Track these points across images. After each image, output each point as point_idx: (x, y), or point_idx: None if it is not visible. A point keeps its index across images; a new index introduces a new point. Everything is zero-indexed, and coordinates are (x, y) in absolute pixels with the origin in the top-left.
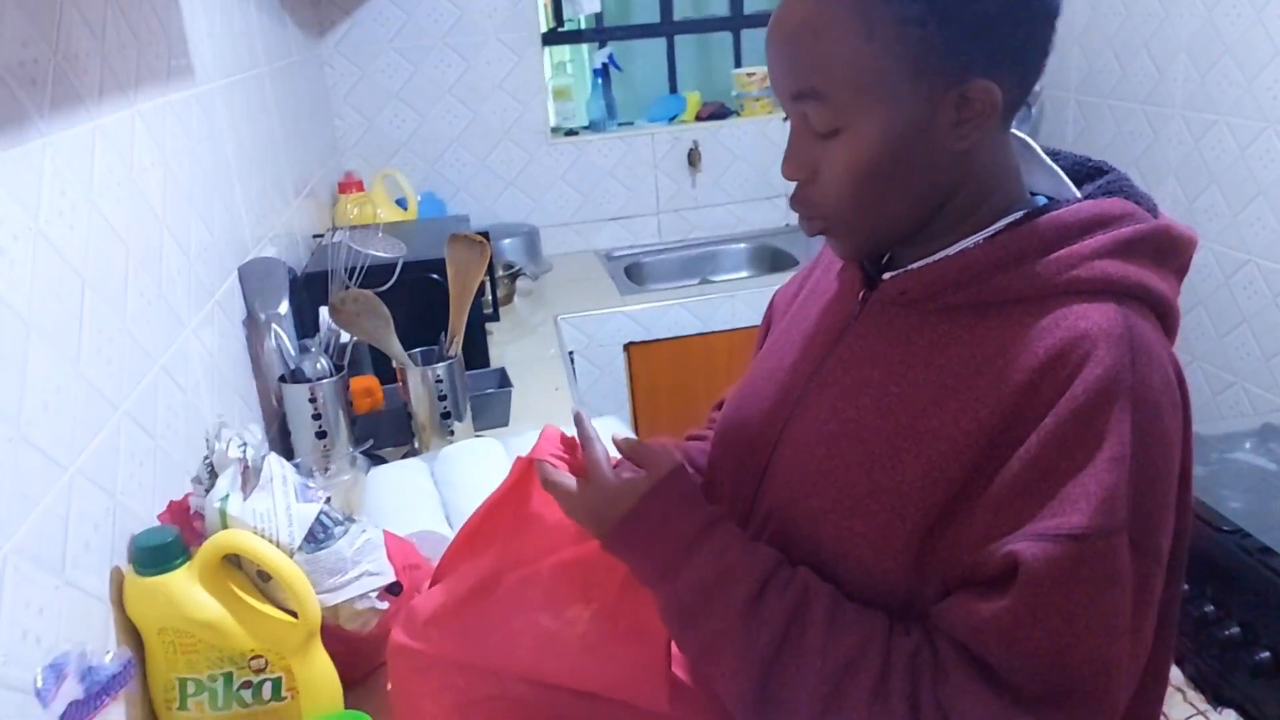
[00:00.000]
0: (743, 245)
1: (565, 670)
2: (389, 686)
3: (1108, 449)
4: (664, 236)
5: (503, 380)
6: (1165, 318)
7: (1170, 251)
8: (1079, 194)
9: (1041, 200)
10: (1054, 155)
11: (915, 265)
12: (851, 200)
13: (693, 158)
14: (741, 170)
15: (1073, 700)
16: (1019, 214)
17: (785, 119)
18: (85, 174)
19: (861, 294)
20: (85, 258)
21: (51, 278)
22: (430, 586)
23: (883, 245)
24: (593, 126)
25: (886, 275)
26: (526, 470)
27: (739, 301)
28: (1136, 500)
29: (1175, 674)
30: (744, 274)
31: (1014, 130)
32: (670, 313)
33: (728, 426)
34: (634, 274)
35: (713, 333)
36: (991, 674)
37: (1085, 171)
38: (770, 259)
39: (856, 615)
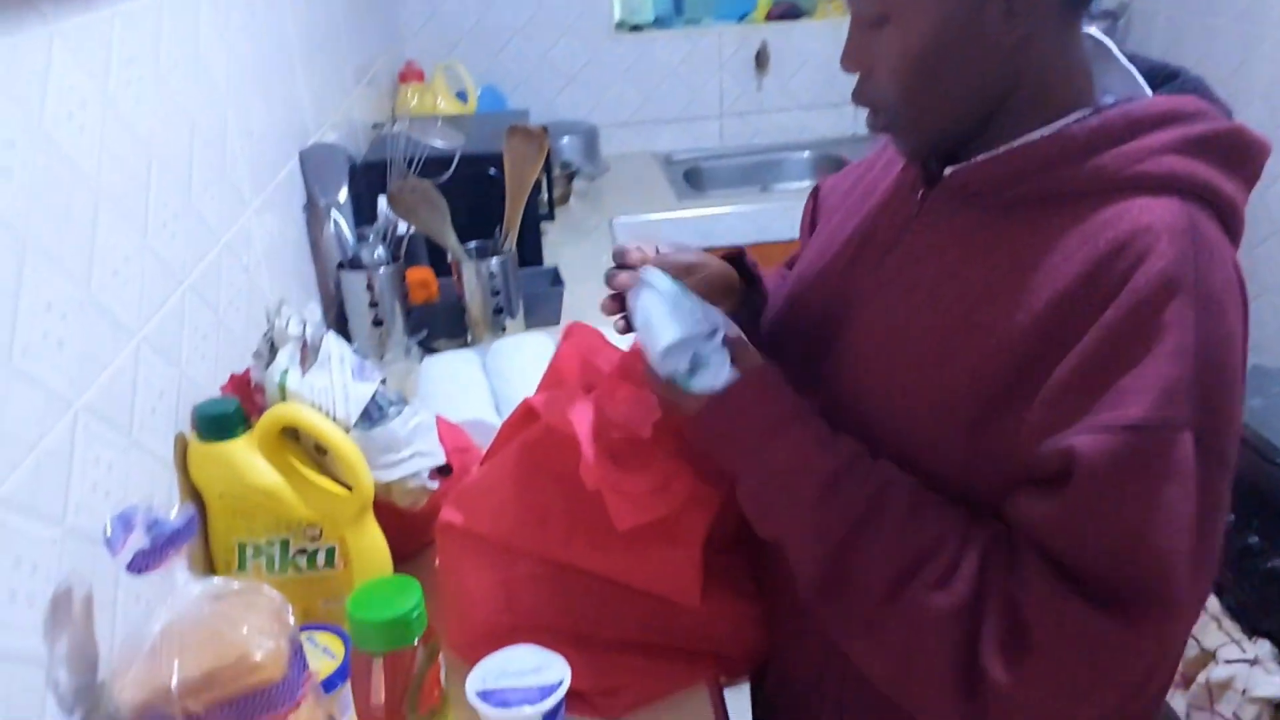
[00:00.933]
0: (807, 154)
1: (603, 561)
2: (437, 562)
3: (1168, 341)
4: (726, 141)
5: (555, 279)
6: (1229, 222)
7: (1242, 155)
8: (1150, 94)
9: (1112, 100)
10: (1131, 59)
11: (978, 159)
12: (903, 93)
13: (760, 59)
14: (810, 74)
15: (1138, 600)
16: (1087, 110)
17: None
18: (152, 46)
19: (921, 192)
20: (152, 130)
21: (119, 147)
22: (479, 469)
23: (943, 142)
24: (658, 23)
25: (948, 169)
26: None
27: (799, 212)
28: (1203, 398)
29: (1212, 603)
30: (806, 183)
31: (1091, 31)
32: (727, 220)
33: (782, 326)
34: (693, 179)
35: (770, 243)
36: (1066, 572)
37: (1162, 77)
38: (834, 169)
39: (938, 511)
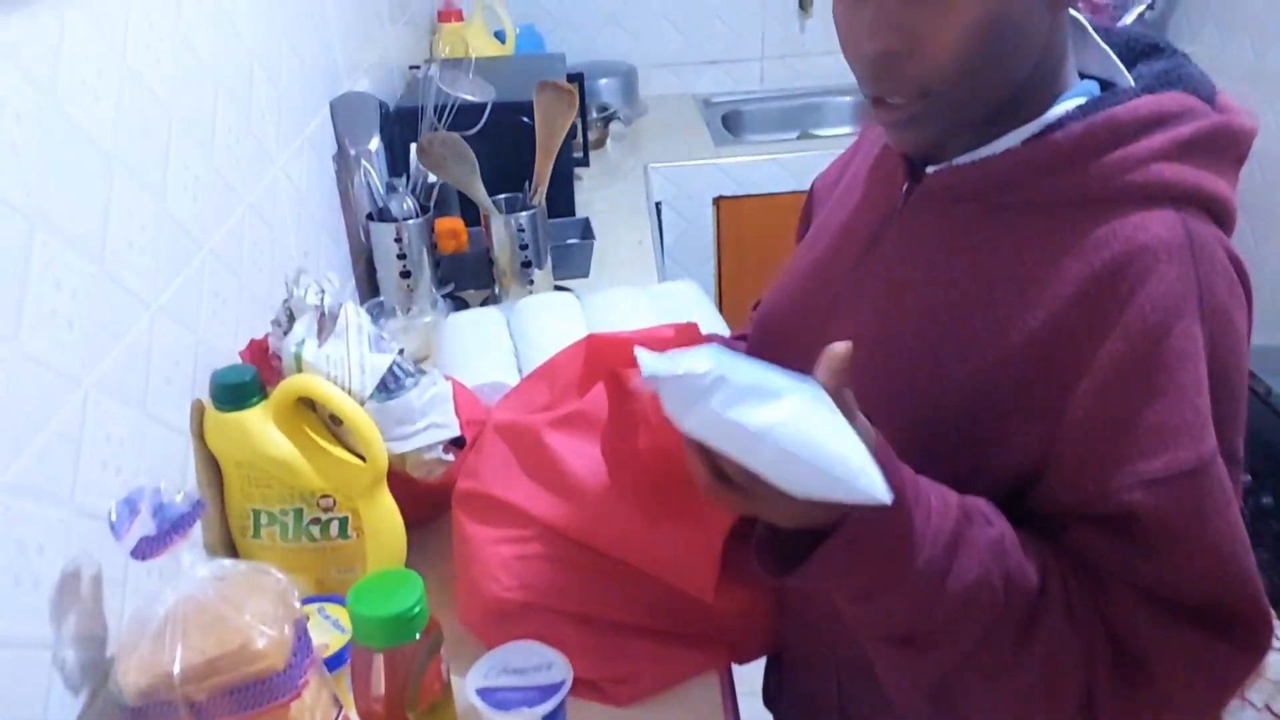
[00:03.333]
0: (849, 99)
1: (619, 542)
2: (453, 537)
3: (1190, 369)
4: (767, 84)
5: (585, 231)
6: (1223, 220)
7: (1228, 146)
8: (1130, 78)
9: (1092, 85)
10: (1104, 32)
11: (961, 161)
12: (958, 71)
13: (804, 1)
14: None
15: (1238, 620)
16: (1070, 106)
17: None
18: (173, 4)
19: (905, 186)
20: (172, 92)
21: (137, 113)
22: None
23: (960, 130)
24: None
25: (930, 169)
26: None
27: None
28: (1221, 411)
29: None
30: (847, 130)
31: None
32: (764, 168)
33: (766, 325)
34: (731, 123)
35: (807, 192)
36: (1164, 601)
37: (1139, 49)
38: None
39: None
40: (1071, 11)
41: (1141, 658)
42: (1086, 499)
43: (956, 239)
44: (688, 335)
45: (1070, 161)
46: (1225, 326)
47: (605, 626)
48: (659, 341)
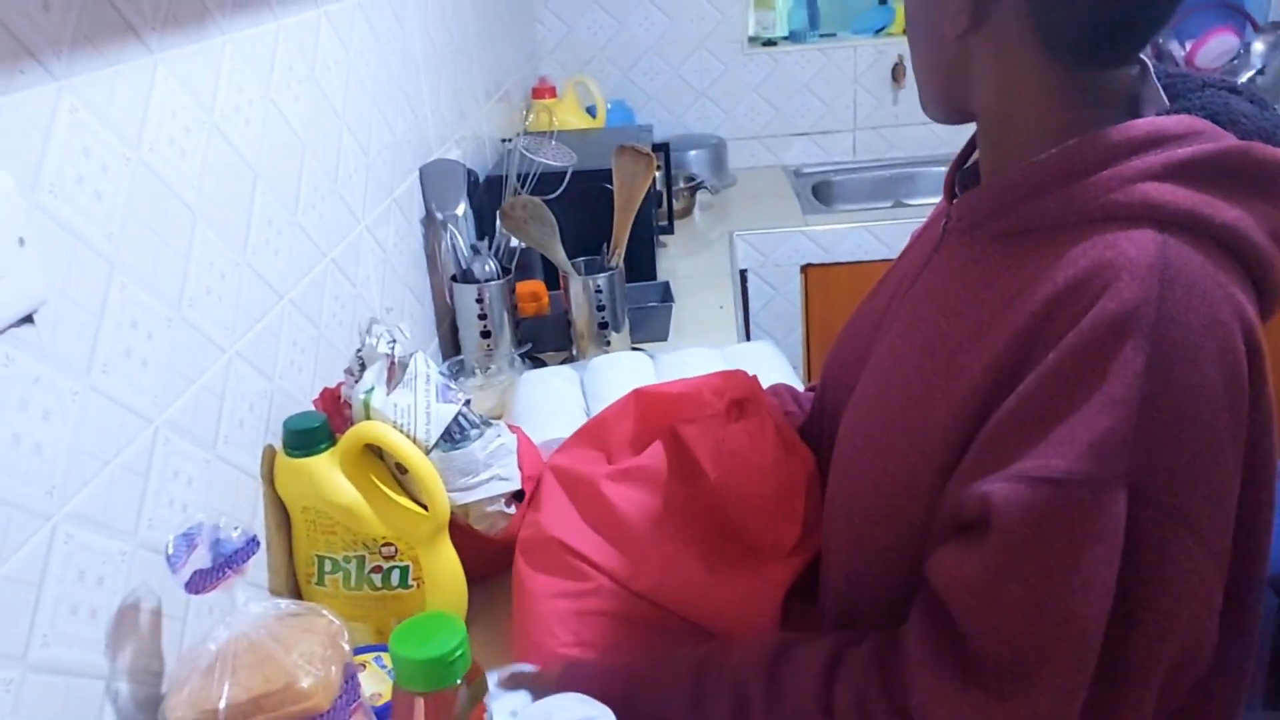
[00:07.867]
0: (943, 169)
1: (679, 591)
2: (513, 587)
3: (1108, 390)
4: (859, 155)
5: (665, 294)
6: (1241, 254)
7: (1256, 176)
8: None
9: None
10: (1180, 77)
11: (971, 191)
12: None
13: (897, 73)
14: None
15: (1043, 672)
16: (1074, 140)
17: None
18: (264, 72)
19: (944, 222)
20: (259, 152)
21: (222, 170)
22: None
23: (941, 117)
24: (792, 37)
25: (955, 199)
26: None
27: None
28: (1150, 450)
29: None
30: (940, 199)
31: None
32: (853, 235)
33: (825, 374)
34: (822, 193)
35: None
36: (962, 653)
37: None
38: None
39: (792, 679)
40: (1142, 56)
41: None
42: (960, 503)
43: (968, 271)
44: (739, 383)
45: (1057, 183)
46: (1182, 362)
47: None
48: (709, 389)
